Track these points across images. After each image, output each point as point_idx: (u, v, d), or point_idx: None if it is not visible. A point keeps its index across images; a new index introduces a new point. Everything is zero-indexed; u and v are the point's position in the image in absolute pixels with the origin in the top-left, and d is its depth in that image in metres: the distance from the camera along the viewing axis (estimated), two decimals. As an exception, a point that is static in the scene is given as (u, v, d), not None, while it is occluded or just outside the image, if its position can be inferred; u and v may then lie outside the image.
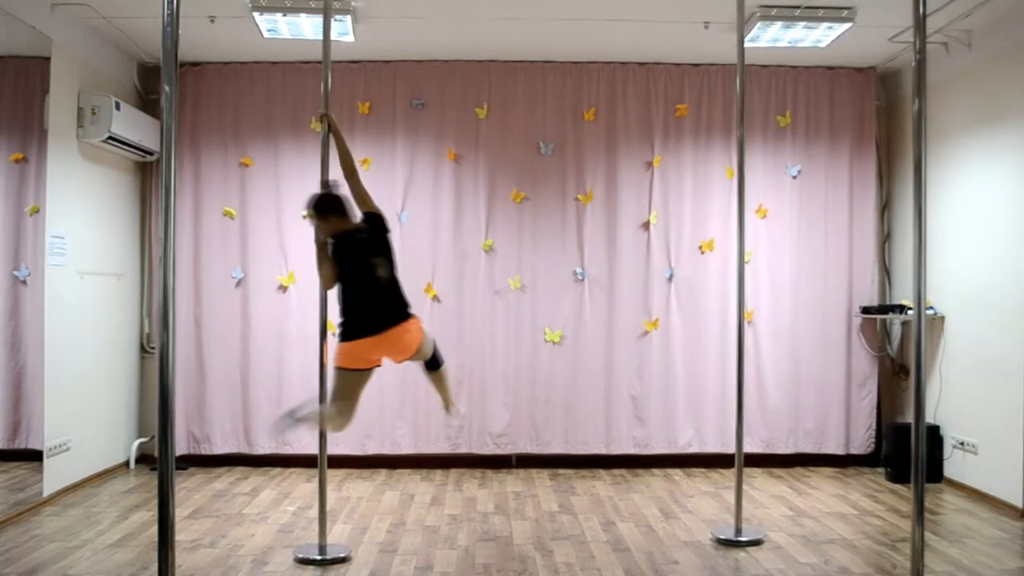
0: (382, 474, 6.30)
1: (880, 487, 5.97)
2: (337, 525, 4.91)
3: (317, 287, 4.53)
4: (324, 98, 4.38)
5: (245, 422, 6.48)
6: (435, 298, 6.49)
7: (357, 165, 4.48)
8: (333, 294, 4.21)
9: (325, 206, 4.16)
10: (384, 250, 4.19)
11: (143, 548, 4.42)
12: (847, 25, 5.54)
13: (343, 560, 4.29)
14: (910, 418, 3.20)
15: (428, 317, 6.47)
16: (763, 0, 5.32)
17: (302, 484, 5.97)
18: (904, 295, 6.62)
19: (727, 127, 6.61)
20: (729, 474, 5.95)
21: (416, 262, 6.48)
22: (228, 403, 6.48)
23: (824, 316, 6.60)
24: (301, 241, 6.45)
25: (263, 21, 5.54)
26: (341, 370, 4.10)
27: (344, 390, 4.12)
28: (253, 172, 6.54)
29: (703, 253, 6.60)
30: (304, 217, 4.25)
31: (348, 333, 4.08)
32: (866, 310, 6.56)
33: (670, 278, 6.58)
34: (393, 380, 6.37)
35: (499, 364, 6.52)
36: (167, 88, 2.48)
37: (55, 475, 5.36)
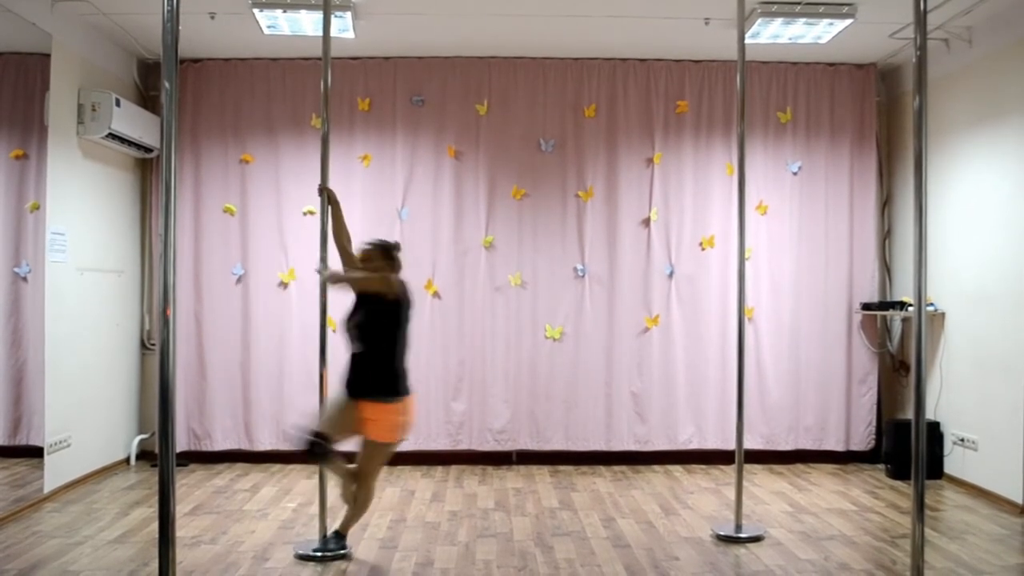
0: (382, 470, 6.29)
1: (880, 483, 5.98)
2: (337, 522, 4.91)
3: (317, 284, 4.54)
4: (324, 95, 4.38)
5: (246, 418, 6.48)
6: (435, 295, 6.49)
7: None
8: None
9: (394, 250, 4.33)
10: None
11: (144, 544, 4.43)
12: (848, 21, 5.54)
13: (343, 556, 4.30)
14: (910, 414, 3.20)
15: (428, 314, 6.48)
16: (764, -4, 5.33)
17: (303, 480, 5.97)
18: (904, 291, 6.62)
19: (727, 123, 6.60)
20: (729, 470, 5.95)
21: (416, 259, 6.48)
22: (228, 399, 6.49)
23: (824, 312, 6.60)
24: (301, 238, 6.46)
25: (263, 17, 5.53)
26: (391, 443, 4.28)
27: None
28: (253, 169, 6.54)
29: (703, 250, 6.60)
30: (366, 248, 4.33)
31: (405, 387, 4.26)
32: (866, 306, 6.56)
33: (670, 274, 6.58)
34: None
35: (499, 360, 6.52)
36: (167, 85, 2.47)
37: (56, 471, 5.37)
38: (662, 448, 6.55)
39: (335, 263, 4.48)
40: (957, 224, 5.90)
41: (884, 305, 6.48)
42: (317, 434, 4.08)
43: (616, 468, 6.45)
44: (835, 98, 6.68)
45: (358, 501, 4.34)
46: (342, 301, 5.98)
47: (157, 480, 2.45)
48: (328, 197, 4.43)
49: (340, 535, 4.39)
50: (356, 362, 4.19)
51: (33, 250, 5.15)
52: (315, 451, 4.08)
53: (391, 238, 6.32)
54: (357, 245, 4.41)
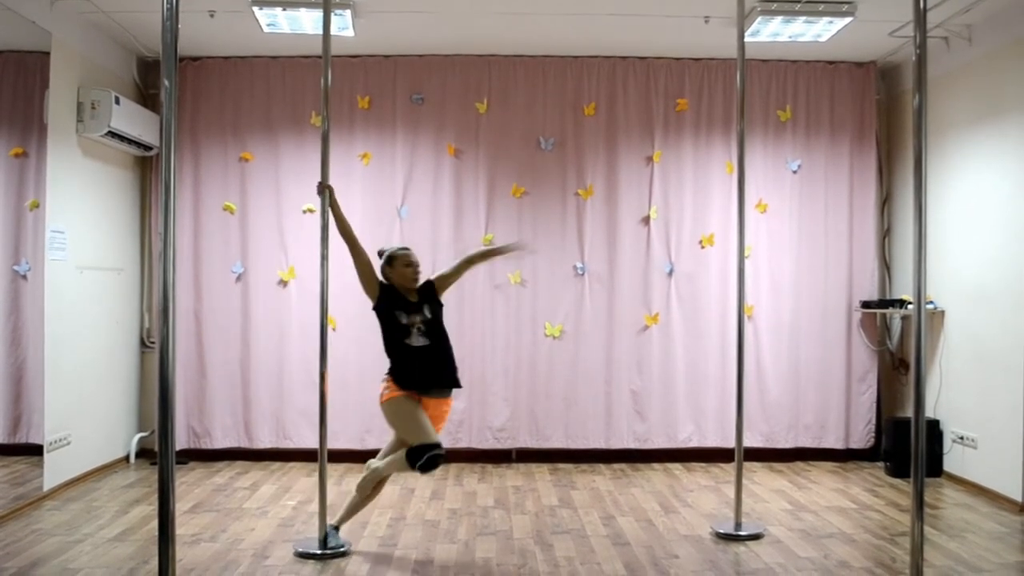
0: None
1: (880, 481, 5.98)
2: (336, 516, 4.91)
3: (317, 282, 4.54)
4: (324, 94, 4.38)
5: (245, 416, 6.48)
6: (435, 293, 6.49)
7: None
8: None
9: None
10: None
11: (143, 542, 4.43)
12: (847, 19, 5.53)
13: (343, 554, 4.30)
14: (910, 412, 3.20)
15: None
16: (763, -6, 5.33)
17: (302, 478, 5.97)
18: (904, 290, 6.62)
19: (727, 122, 6.60)
20: (729, 468, 5.96)
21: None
22: (228, 398, 6.49)
23: (824, 311, 6.60)
24: (301, 236, 6.46)
25: (263, 15, 5.53)
26: None
27: None
28: (253, 167, 6.54)
29: (703, 248, 6.60)
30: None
31: None
32: (866, 305, 6.56)
33: (670, 273, 6.58)
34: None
35: (499, 359, 6.52)
36: (167, 83, 2.47)
37: (55, 469, 5.37)
38: (662, 446, 6.56)
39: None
40: (957, 222, 5.90)
41: (884, 303, 6.48)
42: (431, 446, 4.09)
43: (616, 466, 6.45)
44: (835, 96, 6.68)
45: (371, 494, 4.45)
46: (342, 299, 6.00)
47: (157, 478, 2.45)
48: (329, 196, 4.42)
49: (336, 528, 4.42)
50: (423, 356, 4.25)
51: (33, 248, 5.15)
52: (439, 461, 4.11)
53: (391, 237, 6.39)
54: (389, 247, 4.50)
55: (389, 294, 4.34)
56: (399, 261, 4.36)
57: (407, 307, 4.30)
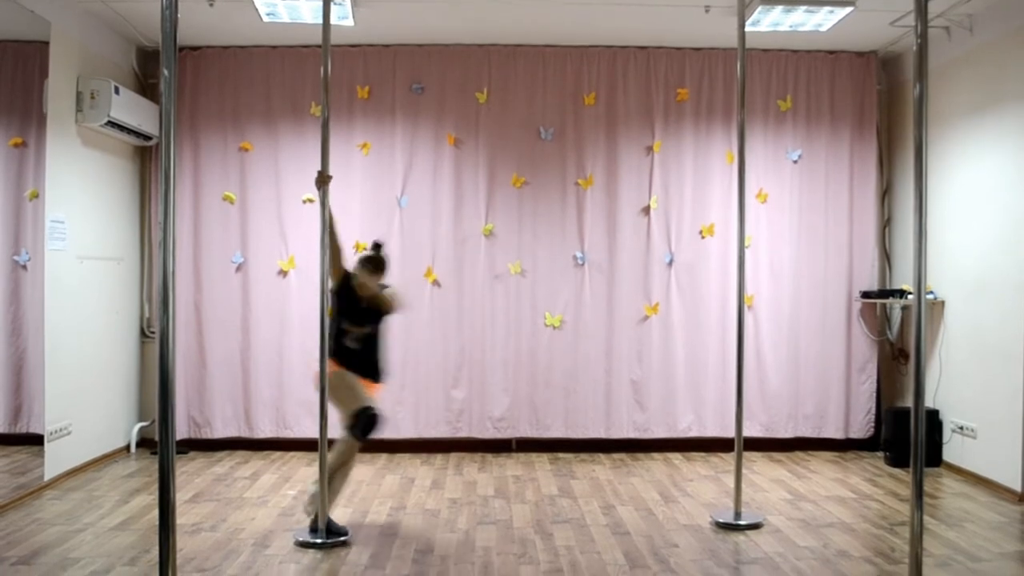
0: (382, 458, 6.32)
1: (879, 471, 5.99)
2: (337, 509, 4.92)
3: (317, 272, 4.56)
4: (324, 83, 4.37)
5: (245, 406, 6.49)
6: (435, 283, 6.49)
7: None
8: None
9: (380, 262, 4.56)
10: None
11: (144, 532, 4.44)
12: (848, 9, 5.51)
13: (344, 543, 4.31)
14: (909, 402, 3.21)
15: (428, 302, 6.48)
16: (764, -17, 5.31)
17: (302, 468, 5.99)
18: (904, 280, 6.62)
19: (728, 111, 6.59)
20: (729, 458, 5.97)
21: (416, 247, 6.48)
22: (228, 387, 6.50)
23: (824, 301, 6.61)
24: (301, 226, 6.45)
25: (262, 5, 5.51)
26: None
27: None
28: (253, 157, 6.53)
29: (703, 238, 6.60)
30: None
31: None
32: (866, 295, 6.57)
33: (670, 263, 6.58)
34: (392, 363, 6.37)
35: (499, 349, 6.52)
36: (166, 72, 2.47)
37: (56, 459, 5.38)
38: (661, 436, 6.57)
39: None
40: (957, 212, 5.90)
41: (884, 293, 6.48)
42: (370, 408, 4.41)
43: (615, 456, 6.46)
44: (835, 86, 6.67)
45: (339, 479, 4.53)
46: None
47: (157, 468, 2.46)
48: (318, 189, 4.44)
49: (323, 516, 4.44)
50: (353, 355, 4.55)
51: (32, 238, 5.15)
52: (377, 420, 4.42)
53: (391, 227, 6.39)
54: (383, 252, 4.61)
55: (347, 290, 4.54)
56: (356, 280, 4.50)
57: (354, 316, 4.53)
